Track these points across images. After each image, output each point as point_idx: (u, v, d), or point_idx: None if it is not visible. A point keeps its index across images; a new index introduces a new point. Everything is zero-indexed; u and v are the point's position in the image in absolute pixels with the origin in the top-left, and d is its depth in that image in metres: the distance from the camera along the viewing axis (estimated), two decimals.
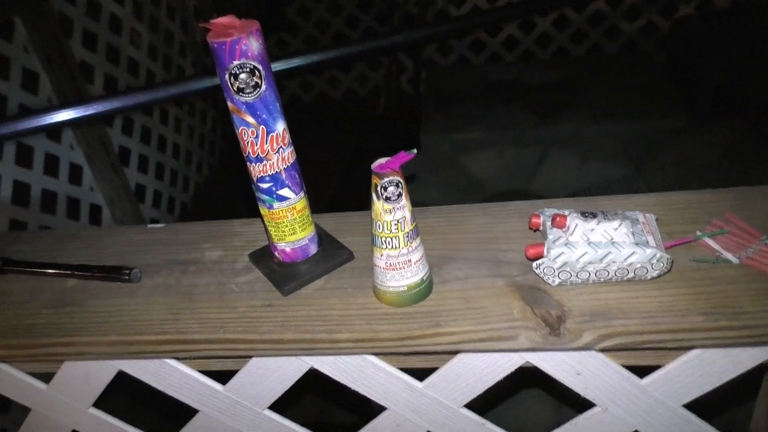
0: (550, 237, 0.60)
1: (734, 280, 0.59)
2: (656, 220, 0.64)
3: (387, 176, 0.57)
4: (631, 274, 0.59)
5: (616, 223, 0.59)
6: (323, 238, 0.72)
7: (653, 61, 2.89)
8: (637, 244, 0.58)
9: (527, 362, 0.64)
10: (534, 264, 0.60)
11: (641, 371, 0.64)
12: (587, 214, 0.60)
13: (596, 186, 2.03)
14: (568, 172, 2.15)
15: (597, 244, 0.58)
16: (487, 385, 0.67)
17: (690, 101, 2.50)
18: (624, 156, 2.19)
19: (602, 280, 0.60)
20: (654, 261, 0.58)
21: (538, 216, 0.63)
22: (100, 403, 0.78)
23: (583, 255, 0.58)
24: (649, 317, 0.57)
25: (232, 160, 2.98)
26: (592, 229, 0.59)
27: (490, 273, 0.65)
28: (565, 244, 0.59)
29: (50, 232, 0.88)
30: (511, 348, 0.60)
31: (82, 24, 2.03)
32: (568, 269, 0.59)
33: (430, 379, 0.68)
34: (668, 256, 0.58)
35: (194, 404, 0.75)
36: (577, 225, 0.59)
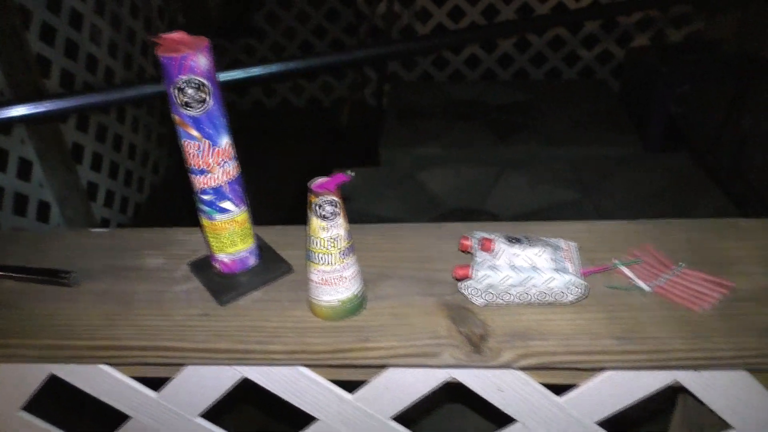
0: (477, 259, 0.64)
1: (644, 308, 0.63)
2: (578, 248, 0.67)
3: (324, 195, 0.59)
4: (551, 298, 0.62)
5: (537, 249, 0.62)
6: (264, 250, 0.74)
7: (609, 88, 3.00)
8: (556, 270, 0.62)
9: (453, 378, 0.67)
10: (460, 284, 0.63)
11: (560, 390, 0.68)
12: (513, 240, 0.64)
13: (547, 208, 2.10)
14: (522, 193, 2.21)
15: (520, 269, 0.62)
16: (414, 399, 0.70)
17: (641, 130, 2.61)
18: (575, 180, 2.26)
19: (524, 302, 0.63)
20: (571, 286, 0.61)
21: (467, 238, 0.66)
22: (33, 407, 0.78)
23: (506, 278, 0.62)
24: (564, 339, 0.61)
25: None
26: (517, 254, 0.62)
27: (422, 291, 0.68)
28: (491, 267, 0.62)
29: None
30: (435, 364, 0.63)
31: (41, 17, 2.00)
32: (493, 291, 0.62)
33: (360, 391, 0.70)
34: (584, 283, 0.62)
35: (126, 410, 0.75)
36: (502, 249, 0.63)
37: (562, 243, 0.66)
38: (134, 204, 2.62)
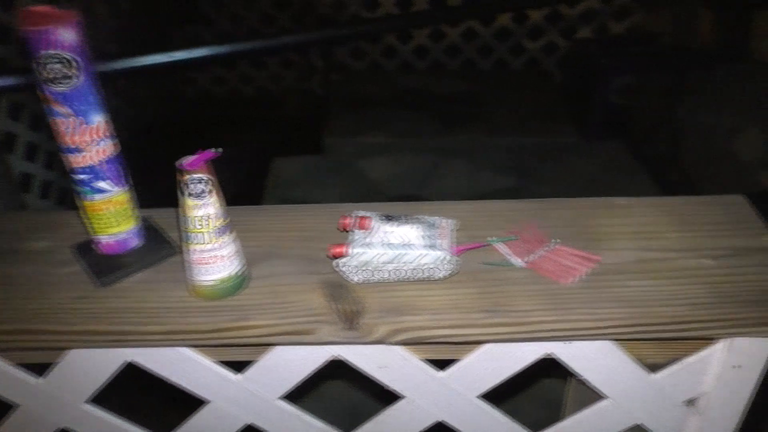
0: (353, 237, 0.64)
1: (515, 282, 0.65)
2: (456, 225, 0.69)
3: (193, 173, 0.59)
4: (424, 274, 0.64)
5: (410, 226, 0.63)
6: (150, 231, 0.73)
7: (552, 79, 3.05)
8: (428, 246, 0.63)
9: (336, 356, 0.68)
10: (335, 262, 0.64)
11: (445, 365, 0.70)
12: (389, 218, 0.65)
13: (485, 195, 2.13)
14: (460, 180, 2.24)
15: (393, 245, 0.63)
16: (300, 378, 0.70)
17: (582, 120, 2.66)
18: (514, 168, 2.30)
19: (399, 278, 0.64)
20: (443, 262, 0.63)
21: (346, 217, 0.67)
22: None
23: (380, 255, 0.63)
24: (436, 314, 0.62)
25: (137, 152, 2.90)
26: (391, 231, 0.63)
27: (304, 270, 0.69)
28: (365, 245, 0.63)
29: None
30: (312, 341, 0.63)
31: None
32: (367, 268, 0.63)
33: (248, 372, 0.70)
34: (456, 258, 0.63)
35: (12, 398, 0.74)
36: (377, 227, 0.64)
37: (440, 221, 0.67)
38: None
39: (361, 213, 0.67)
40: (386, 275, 0.64)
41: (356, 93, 2.94)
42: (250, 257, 0.70)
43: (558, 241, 0.69)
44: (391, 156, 2.39)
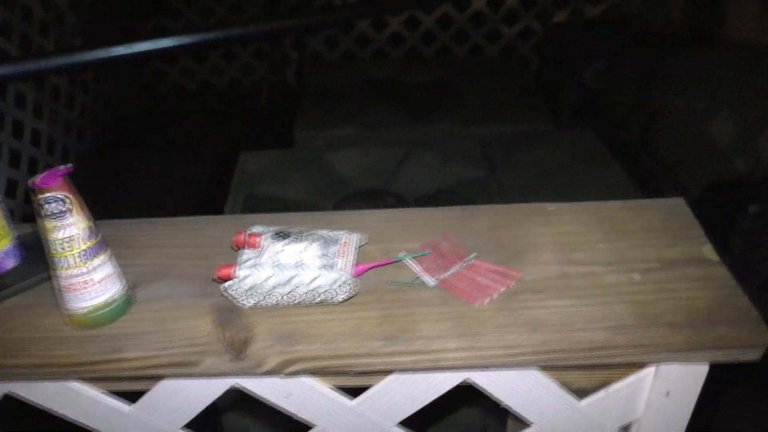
0: (241, 258, 0.58)
1: (424, 303, 0.58)
2: (361, 240, 0.62)
3: (48, 191, 0.52)
4: (321, 297, 0.57)
5: (304, 245, 0.57)
6: (30, 251, 0.66)
7: (528, 65, 2.97)
8: (323, 266, 0.56)
9: (236, 385, 0.62)
10: (222, 286, 0.58)
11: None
12: (281, 234, 0.58)
13: (452, 186, 2.06)
14: (428, 172, 2.16)
15: (284, 266, 0.56)
16: (199, 407, 0.64)
17: (555, 107, 2.59)
18: (482, 158, 2.23)
19: (293, 303, 0.58)
20: (339, 284, 0.56)
21: (240, 234, 0.60)
22: None
23: (269, 277, 0.56)
24: (332, 342, 0.56)
25: (106, 147, 2.82)
26: (281, 251, 0.57)
27: (196, 292, 0.62)
28: (253, 266, 0.56)
29: None
30: (195, 372, 0.57)
31: None
32: (257, 291, 0.57)
33: (140, 402, 0.64)
34: (354, 280, 0.57)
35: None
36: (267, 245, 0.57)
37: (343, 236, 0.61)
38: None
39: (255, 229, 0.60)
40: (279, 299, 0.57)
41: (328, 84, 2.86)
42: (139, 277, 0.63)
43: (476, 255, 0.63)
44: (358, 148, 2.32)
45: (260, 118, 3.13)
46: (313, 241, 0.57)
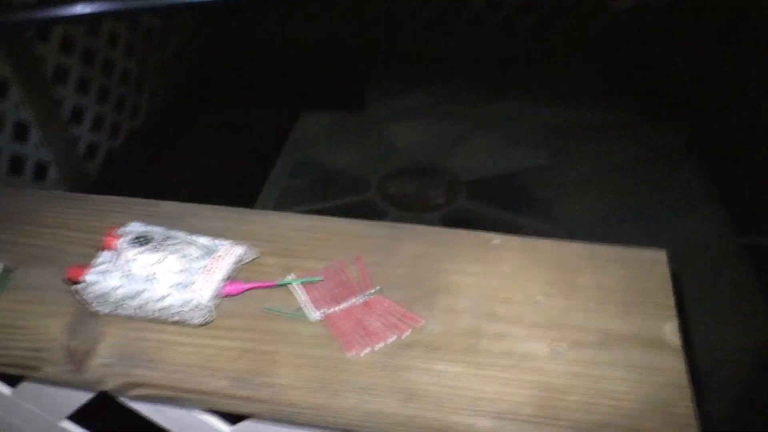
0: (97, 259, 0.51)
1: (296, 341, 0.49)
2: (245, 254, 0.53)
3: None
4: (175, 318, 0.49)
5: (158, 256, 0.49)
6: None
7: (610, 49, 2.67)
8: (177, 284, 0.48)
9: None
10: (73, 287, 0.51)
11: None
12: (140, 240, 0.50)
13: (508, 173, 1.90)
14: (487, 154, 2.01)
15: (134, 278, 0.49)
16: (65, 414, 0.59)
17: (640, 96, 2.30)
18: (550, 145, 2.04)
19: (147, 318, 0.50)
20: (193, 307, 0.48)
21: (113, 228, 0.53)
22: None
23: (118, 288, 0.49)
24: (177, 371, 0.48)
25: (192, 91, 2.84)
26: (134, 260, 0.49)
27: (69, 287, 0.56)
28: (102, 272, 0.49)
29: None
30: (37, 377, 0.52)
31: None
32: (108, 301, 0.50)
33: (18, 387, 0.60)
34: (210, 305, 0.48)
35: None
36: (122, 250, 0.49)
37: (221, 247, 0.52)
38: (106, 150, 2.51)
39: (130, 227, 0.53)
40: (131, 313, 0.50)
41: (405, 51, 2.72)
42: (23, 258, 0.58)
43: (378, 289, 0.52)
44: (420, 121, 2.19)
45: (336, 77, 3.05)
46: (172, 253, 0.49)
